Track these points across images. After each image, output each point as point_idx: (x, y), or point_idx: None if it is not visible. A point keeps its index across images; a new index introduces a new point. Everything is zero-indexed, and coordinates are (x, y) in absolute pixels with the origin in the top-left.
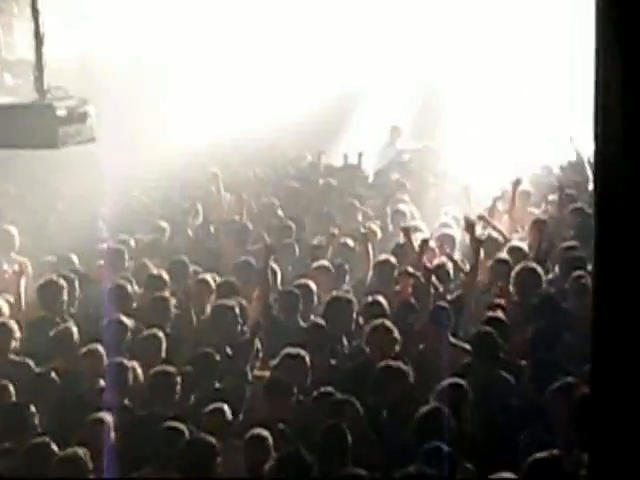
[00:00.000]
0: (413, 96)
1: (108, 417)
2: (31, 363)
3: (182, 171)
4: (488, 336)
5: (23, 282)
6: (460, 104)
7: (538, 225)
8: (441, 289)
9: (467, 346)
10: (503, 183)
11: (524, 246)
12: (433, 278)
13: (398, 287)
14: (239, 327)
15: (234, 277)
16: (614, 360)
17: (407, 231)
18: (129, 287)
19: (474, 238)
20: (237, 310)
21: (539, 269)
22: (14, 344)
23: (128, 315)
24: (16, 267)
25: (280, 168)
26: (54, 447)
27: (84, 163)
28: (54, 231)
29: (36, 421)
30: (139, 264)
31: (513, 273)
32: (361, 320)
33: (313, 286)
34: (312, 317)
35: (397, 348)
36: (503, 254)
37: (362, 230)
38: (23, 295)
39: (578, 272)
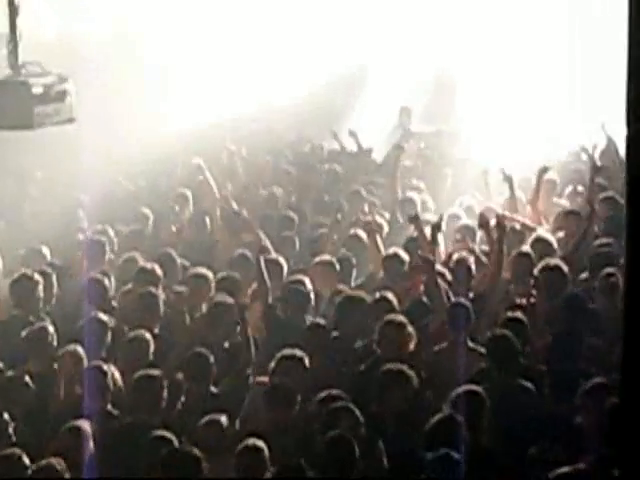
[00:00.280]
0: (425, 77)
1: (86, 425)
2: (1, 366)
3: (170, 155)
4: (504, 340)
5: None
6: (477, 85)
7: (570, 218)
8: (457, 286)
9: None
10: (524, 170)
11: (550, 238)
12: (447, 273)
13: (408, 283)
14: (238, 327)
15: (229, 272)
16: None
17: (417, 222)
18: (106, 281)
19: (499, 229)
20: (236, 308)
21: (564, 266)
22: None
23: (106, 312)
24: None
25: (277, 153)
26: (25, 459)
27: (59, 143)
28: (27, 220)
29: (10, 430)
30: (128, 258)
31: (536, 271)
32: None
33: (308, 283)
34: (310, 317)
35: (412, 346)
36: (526, 247)
37: (367, 220)
38: None
39: (608, 269)
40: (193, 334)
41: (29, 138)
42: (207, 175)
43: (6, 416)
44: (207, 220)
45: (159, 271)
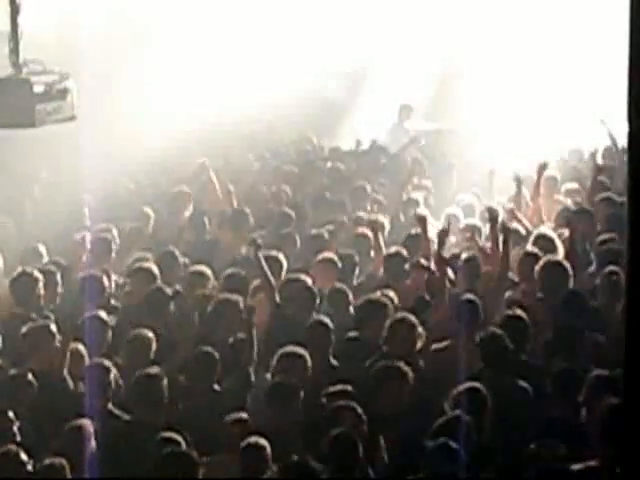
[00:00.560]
0: (430, 74)
1: (89, 424)
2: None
3: (172, 154)
4: (497, 339)
5: None
6: (479, 83)
7: (572, 217)
8: (465, 284)
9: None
10: (526, 168)
11: (552, 234)
12: (449, 271)
13: (409, 281)
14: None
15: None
16: None
17: (423, 220)
18: (105, 279)
19: (505, 228)
20: (242, 306)
21: (565, 263)
22: None
23: (108, 310)
24: None
25: (280, 151)
26: (23, 457)
27: (62, 143)
28: (29, 219)
29: (14, 429)
30: (138, 256)
31: (537, 267)
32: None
33: (309, 281)
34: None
35: (419, 344)
36: (531, 247)
37: (371, 219)
38: None
39: (610, 267)
40: (198, 332)
41: (31, 137)
42: (211, 174)
43: (10, 414)
44: (206, 219)
45: (156, 270)
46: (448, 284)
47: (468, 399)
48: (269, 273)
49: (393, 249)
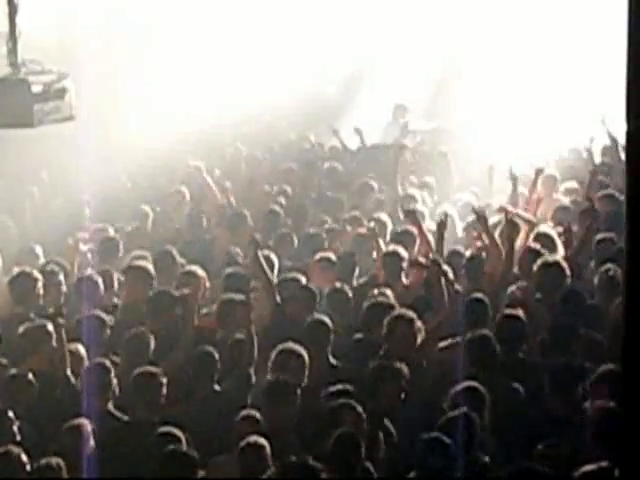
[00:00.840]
0: (429, 74)
1: (87, 424)
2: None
3: (171, 154)
4: (484, 340)
5: None
6: (478, 82)
7: (565, 213)
8: (469, 282)
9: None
10: (525, 167)
11: (552, 232)
12: (448, 270)
13: (406, 280)
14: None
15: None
16: None
17: (413, 215)
18: (100, 280)
19: (508, 227)
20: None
21: (563, 262)
22: None
23: (107, 310)
24: None
25: (279, 150)
26: (23, 457)
27: (62, 144)
28: (29, 220)
29: (14, 428)
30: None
31: (535, 267)
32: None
33: (304, 280)
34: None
35: (419, 341)
36: (535, 243)
37: (376, 217)
38: None
39: (608, 265)
40: (199, 332)
41: (30, 138)
42: (207, 177)
43: (10, 414)
44: (204, 218)
45: (151, 268)
46: (444, 281)
47: (467, 398)
48: (269, 272)
49: (390, 248)
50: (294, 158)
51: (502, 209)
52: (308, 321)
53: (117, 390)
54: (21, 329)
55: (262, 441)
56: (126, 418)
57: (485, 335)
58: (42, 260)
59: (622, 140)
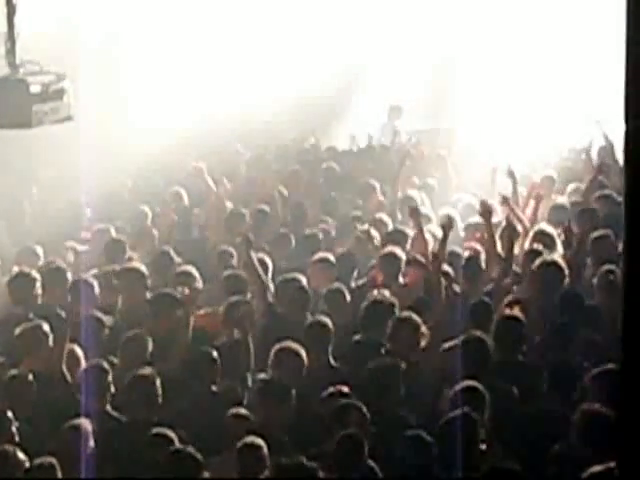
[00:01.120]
0: (428, 74)
1: (86, 424)
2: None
3: (170, 154)
4: (478, 342)
5: None
6: (477, 82)
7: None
8: (469, 283)
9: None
10: (524, 168)
11: (552, 231)
12: (449, 270)
13: (404, 280)
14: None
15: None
16: None
17: (416, 213)
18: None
19: (508, 229)
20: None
21: (561, 262)
22: None
23: (105, 311)
24: None
25: (278, 150)
26: (21, 457)
27: (61, 144)
28: (29, 220)
29: (13, 429)
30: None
31: (533, 267)
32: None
33: (303, 281)
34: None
35: (423, 344)
36: (533, 244)
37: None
38: None
39: (608, 266)
40: (196, 332)
41: (29, 138)
42: (207, 178)
43: (9, 414)
44: (200, 217)
45: (144, 269)
46: (444, 282)
47: (466, 398)
48: (261, 272)
49: (387, 249)
50: (293, 158)
51: (505, 200)
52: (308, 322)
53: (115, 391)
54: (18, 330)
55: (259, 441)
56: (124, 419)
57: (479, 337)
58: (42, 260)
59: (620, 140)
